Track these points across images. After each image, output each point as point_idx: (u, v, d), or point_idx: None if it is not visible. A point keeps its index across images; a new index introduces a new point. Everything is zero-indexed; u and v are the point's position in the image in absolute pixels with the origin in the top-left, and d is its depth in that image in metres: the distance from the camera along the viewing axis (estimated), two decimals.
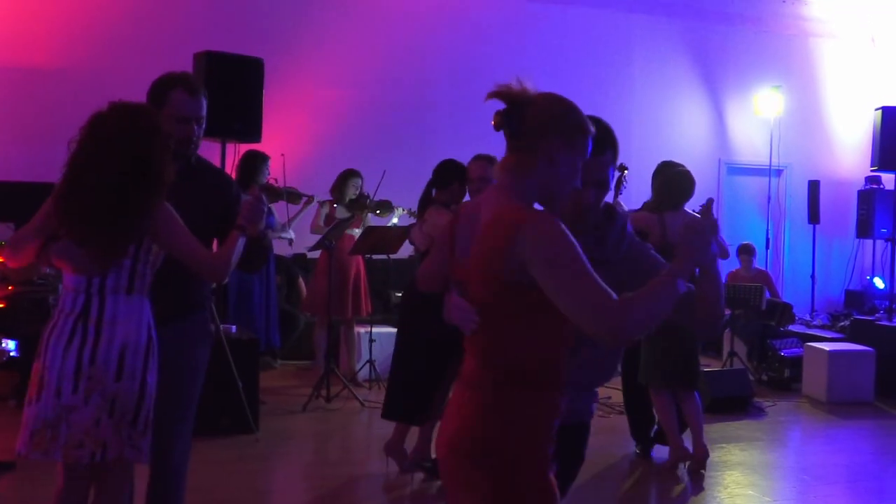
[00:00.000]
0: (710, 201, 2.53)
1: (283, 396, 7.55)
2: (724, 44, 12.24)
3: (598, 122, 2.63)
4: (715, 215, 2.50)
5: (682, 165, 6.22)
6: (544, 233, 2.26)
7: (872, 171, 10.08)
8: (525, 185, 2.40)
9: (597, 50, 11.50)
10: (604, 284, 2.22)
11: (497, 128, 2.39)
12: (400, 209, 8.37)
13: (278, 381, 8.13)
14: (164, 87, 3.37)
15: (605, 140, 2.69)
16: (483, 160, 5.01)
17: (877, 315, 9.87)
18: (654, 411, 6.05)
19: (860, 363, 8.50)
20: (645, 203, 6.28)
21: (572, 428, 2.69)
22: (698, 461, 5.82)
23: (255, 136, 6.99)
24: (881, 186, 11.20)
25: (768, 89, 11.83)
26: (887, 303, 9.96)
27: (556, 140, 2.36)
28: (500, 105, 2.39)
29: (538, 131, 2.36)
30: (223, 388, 6.14)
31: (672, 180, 6.02)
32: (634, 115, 11.54)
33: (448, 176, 5.49)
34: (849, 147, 12.64)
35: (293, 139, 9.20)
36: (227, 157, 7.03)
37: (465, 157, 5.27)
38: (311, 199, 8.31)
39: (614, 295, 2.21)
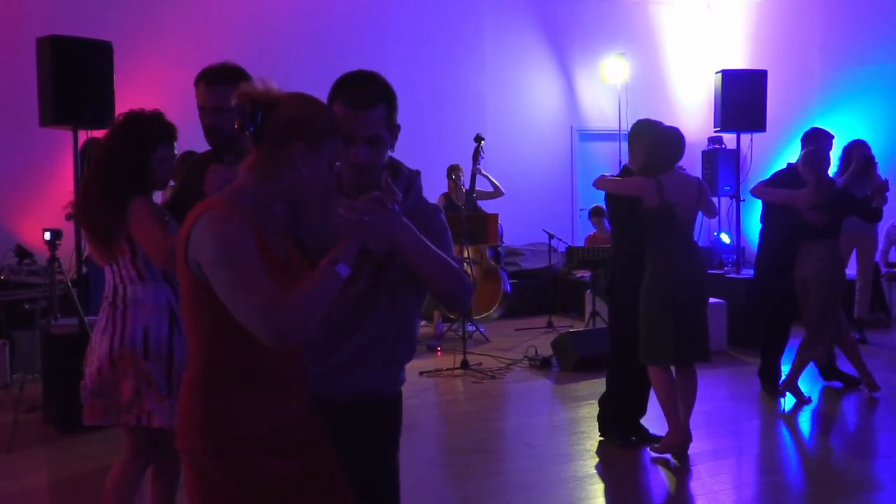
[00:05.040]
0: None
1: None
2: (571, 13, 12.54)
3: (367, 76, 2.57)
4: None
5: (661, 122, 5.88)
6: (208, 230, 2.17)
7: (715, 131, 10.39)
8: (265, 188, 2.29)
9: (449, 24, 11.61)
10: (268, 283, 2.13)
11: (239, 129, 2.26)
12: None
13: None
14: (195, 83, 3.65)
15: (375, 95, 2.53)
16: None
17: (725, 269, 10.26)
18: (657, 391, 5.58)
19: (713, 315, 8.37)
20: (625, 167, 5.96)
21: (363, 406, 2.64)
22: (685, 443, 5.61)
23: (107, 121, 6.70)
24: (723, 146, 11.53)
25: (614, 56, 12.09)
26: (734, 256, 10.36)
27: (298, 145, 2.24)
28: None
29: (279, 135, 2.24)
30: None
31: (661, 140, 5.56)
32: (488, 86, 11.75)
33: None
34: (692, 110, 13.10)
35: None
36: (80, 145, 6.84)
37: None
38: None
39: (278, 294, 2.12)
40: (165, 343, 3.54)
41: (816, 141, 7.18)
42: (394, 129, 2.60)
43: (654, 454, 5.59)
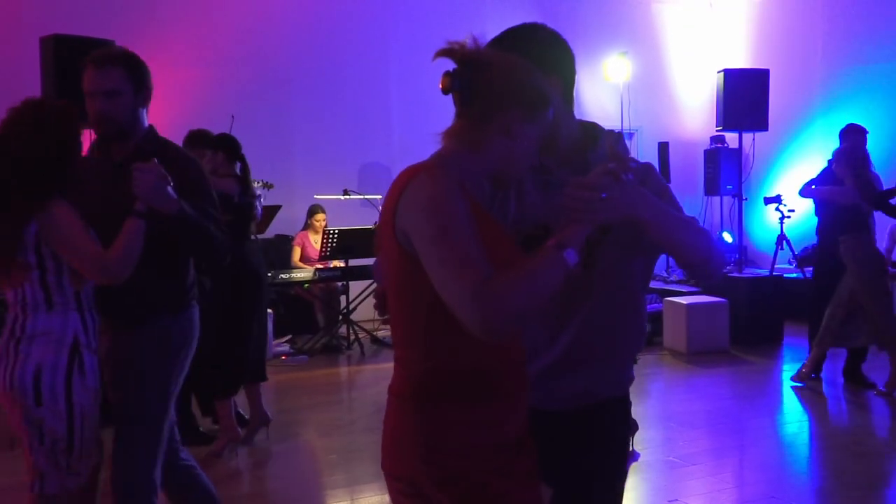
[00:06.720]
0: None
1: None
2: (573, 12, 12.49)
3: (528, 28, 2.39)
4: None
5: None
6: (421, 193, 1.87)
7: (717, 131, 10.45)
8: (473, 157, 1.99)
9: (450, 23, 11.57)
10: (483, 261, 1.80)
11: (445, 91, 1.99)
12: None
13: None
14: (82, 69, 3.22)
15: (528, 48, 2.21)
16: None
17: (728, 268, 10.16)
18: None
19: (715, 314, 8.94)
20: None
21: (590, 409, 2.24)
22: None
23: None
24: (725, 145, 11.52)
25: (616, 55, 12.03)
26: (736, 255, 10.37)
27: (515, 112, 1.95)
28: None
29: (495, 99, 1.95)
30: None
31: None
32: None
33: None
34: (694, 109, 13.04)
35: (152, 122, 8.90)
36: (84, 145, 6.82)
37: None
38: None
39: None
40: (62, 385, 2.90)
41: (850, 137, 7.36)
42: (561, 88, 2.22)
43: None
